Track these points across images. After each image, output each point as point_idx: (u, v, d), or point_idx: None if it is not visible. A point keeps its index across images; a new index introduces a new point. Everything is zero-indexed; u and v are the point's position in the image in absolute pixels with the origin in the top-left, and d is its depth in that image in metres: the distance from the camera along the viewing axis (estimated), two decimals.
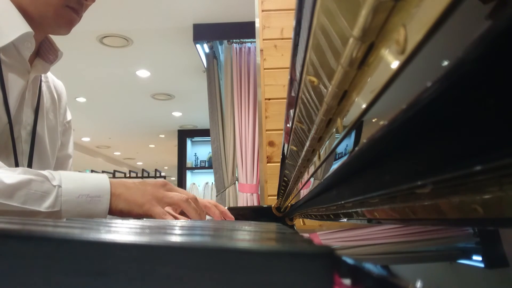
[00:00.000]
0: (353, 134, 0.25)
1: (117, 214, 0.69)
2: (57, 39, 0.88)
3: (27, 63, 0.81)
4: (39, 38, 0.83)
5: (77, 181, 0.66)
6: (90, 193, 0.66)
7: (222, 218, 0.89)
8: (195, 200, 0.76)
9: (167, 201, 0.72)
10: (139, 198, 0.69)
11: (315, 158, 0.44)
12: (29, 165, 0.82)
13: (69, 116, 1.02)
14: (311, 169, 0.48)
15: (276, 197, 1.41)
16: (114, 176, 7.19)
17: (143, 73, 4.34)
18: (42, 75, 0.89)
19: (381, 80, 0.18)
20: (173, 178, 9.70)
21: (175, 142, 6.51)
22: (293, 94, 0.41)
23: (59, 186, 0.64)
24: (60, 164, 0.98)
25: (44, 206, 0.62)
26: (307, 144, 0.42)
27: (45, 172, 0.65)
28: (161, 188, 0.74)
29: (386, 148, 0.21)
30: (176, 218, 0.70)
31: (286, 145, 0.65)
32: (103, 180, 0.69)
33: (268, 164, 1.82)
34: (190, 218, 0.74)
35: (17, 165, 0.78)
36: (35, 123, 0.84)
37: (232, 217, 0.92)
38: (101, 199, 0.66)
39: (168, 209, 0.74)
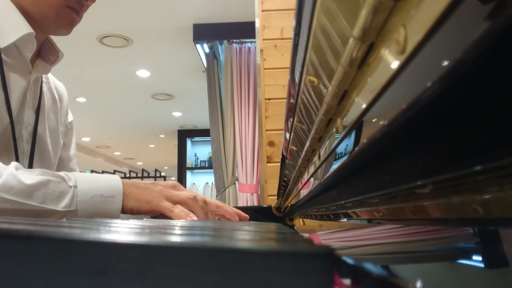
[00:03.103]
0: (353, 134, 0.25)
1: (128, 212, 0.71)
2: (57, 39, 0.88)
3: (28, 63, 0.81)
4: (40, 39, 0.83)
5: (91, 182, 0.69)
6: (104, 193, 0.68)
7: (237, 217, 0.90)
8: (204, 201, 0.77)
9: (175, 199, 0.74)
10: (147, 196, 0.72)
11: (315, 158, 0.44)
12: (30, 165, 0.83)
13: (70, 117, 1.02)
14: (311, 169, 0.48)
15: (276, 197, 1.41)
16: None
17: (143, 73, 4.34)
18: (43, 76, 0.89)
19: (381, 80, 0.18)
20: (173, 178, 9.70)
21: (175, 142, 6.51)
22: (293, 94, 0.41)
23: (75, 187, 0.67)
24: (65, 165, 0.99)
25: (61, 206, 0.64)
26: (307, 144, 0.42)
27: (61, 173, 0.68)
28: (170, 188, 0.76)
29: (386, 148, 0.21)
30: (186, 214, 0.71)
31: (286, 145, 0.65)
32: (116, 181, 0.72)
33: (268, 164, 1.82)
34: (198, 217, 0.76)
35: None
36: (36, 123, 0.85)
37: (247, 216, 0.93)
38: (114, 199, 0.69)
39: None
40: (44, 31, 0.82)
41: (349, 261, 0.18)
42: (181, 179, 5.81)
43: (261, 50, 1.86)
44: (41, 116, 0.86)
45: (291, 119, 0.48)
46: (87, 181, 0.68)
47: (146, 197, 0.71)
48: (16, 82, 0.78)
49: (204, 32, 3.22)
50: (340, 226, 0.42)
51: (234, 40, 3.15)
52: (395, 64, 0.16)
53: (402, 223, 0.24)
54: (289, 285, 0.17)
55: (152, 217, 0.78)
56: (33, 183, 0.63)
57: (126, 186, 0.71)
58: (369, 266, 0.17)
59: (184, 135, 6.32)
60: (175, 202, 0.74)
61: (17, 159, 0.79)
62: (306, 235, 0.48)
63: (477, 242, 0.17)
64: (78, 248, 0.18)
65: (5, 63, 0.76)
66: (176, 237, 0.22)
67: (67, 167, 1.00)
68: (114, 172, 7.44)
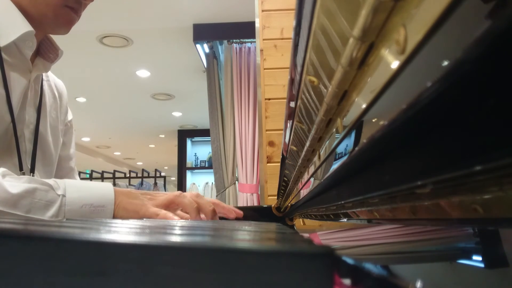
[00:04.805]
0: (353, 134, 0.25)
1: None
2: (57, 39, 0.88)
3: (28, 62, 0.81)
4: (39, 38, 0.83)
5: (81, 190, 0.67)
6: (94, 203, 0.67)
7: (233, 213, 0.90)
8: (196, 196, 0.77)
9: (163, 203, 0.73)
10: (136, 205, 0.70)
11: (315, 158, 0.44)
12: (32, 164, 0.83)
13: (70, 116, 1.02)
14: (311, 169, 0.48)
15: (276, 197, 1.41)
16: (114, 176, 7.18)
17: (143, 73, 4.34)
18: (43, 74, 0.89)
19: (381, 80, 0.18)
20: (173, 178, 9.69)
21: (175, 142, 6.51)
22: (293, 94, 0.41)
23: (63, 196, 0.65)
24: (64, 164, 0.98)
25: (47, 215, 0.63)
26: (307, 144, 0.42)
27: (50, 181, 0.66)
28: (163, 195, 0.75)
29: (386, 148, 0.21)
30: (171, 216, 0.70)
31: (286, 145, 0.65)
32: (107, 190, 0.69)
33: (268, 164, 1.82)
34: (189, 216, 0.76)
35: (20, 163, 0.79)
36: (37, 122, 0.85)
37: (241, 212, 0.93)
38: (104, 209, 0.67)
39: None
40: (43, 30, 0.82)
41: (349, 261, 0.18)
42: (181, 179, 5.81)
43: (261, 50, 1.86)
44: (42, 114, 0.86)
45: (291, 119, 0.48)
46: (77, 190, 0.66)
47: (135, 207, 0.70)
48: (16, 81, 0.78)
49: (204, 32, 3.22)
50: (340, 226, 0.42)
51: (234, 40, 3.15)
52: (395, 64, 0.16)
53: (402, 223, 0.24)
54: (289, 285, 0.17)
55: None
56: (19, 192, 0.61)
57: (117, 195, 0.69)
58: (369, 266, 0.17)
59: (184, 135, 6.32)
60: (165, 205, 0.73)
61: (19, 158, 0.78)
62: (306, 235, 0.48)
63: (477, 242, 0.17)
64: (78, 248, 0.18)
65: (5, 61, 0.76)
66: (176, 237, 0.22)
67: (66, 166, 0.99)
68: (114, 172, 7.43)
